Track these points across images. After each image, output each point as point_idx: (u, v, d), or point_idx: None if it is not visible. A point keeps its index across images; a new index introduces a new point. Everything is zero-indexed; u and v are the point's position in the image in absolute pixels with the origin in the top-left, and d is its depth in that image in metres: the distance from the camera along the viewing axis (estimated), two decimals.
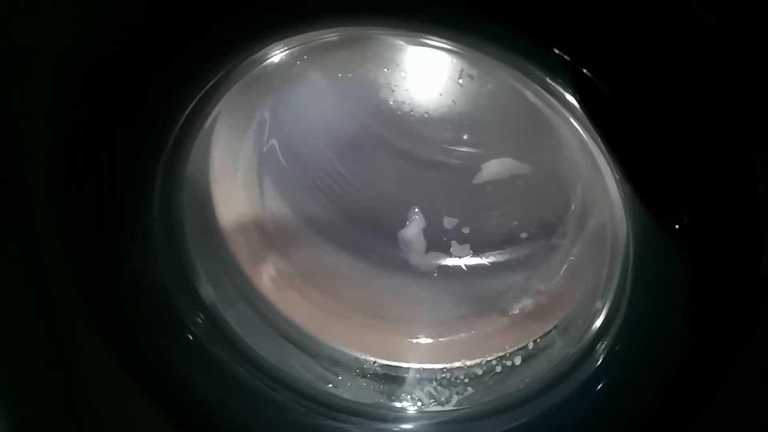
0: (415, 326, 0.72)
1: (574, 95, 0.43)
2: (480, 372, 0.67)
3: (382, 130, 0.69)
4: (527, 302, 0.69)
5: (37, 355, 0.63)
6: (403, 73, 0.63)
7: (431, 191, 0.71)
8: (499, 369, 0.66)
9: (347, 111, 0.69)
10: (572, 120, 0.47)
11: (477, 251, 0.71)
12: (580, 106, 0.44)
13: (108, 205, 0.55)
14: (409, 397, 0.67)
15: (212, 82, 0.50)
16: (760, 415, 0.53)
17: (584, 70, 0.42)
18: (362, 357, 0.70)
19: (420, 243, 0.71)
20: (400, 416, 0.66)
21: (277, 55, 0.53)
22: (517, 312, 0.69)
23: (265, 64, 0.53)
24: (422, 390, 0.67)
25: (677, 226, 0.45)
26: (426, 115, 0.65)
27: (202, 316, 0.62)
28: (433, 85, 0.63)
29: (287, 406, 0.64)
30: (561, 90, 0.44)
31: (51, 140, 0.53)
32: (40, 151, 0.54)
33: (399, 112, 0.65)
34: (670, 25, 0.42)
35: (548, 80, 0.44)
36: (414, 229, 0.71)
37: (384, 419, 0.65)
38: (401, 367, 0.69)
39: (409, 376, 0.69)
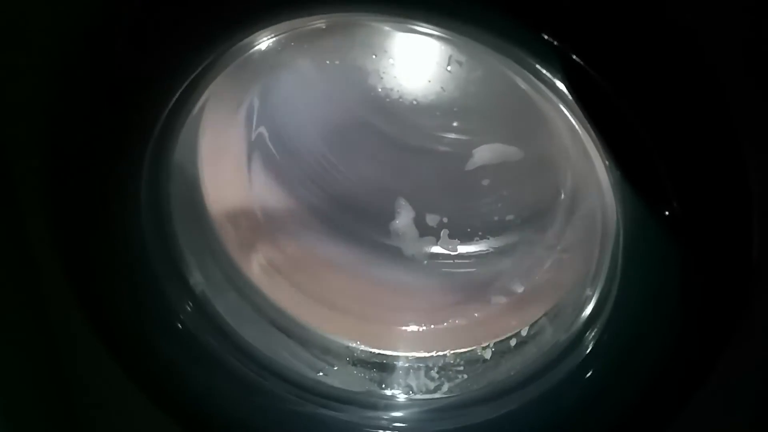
0: (405, 314, 0.72)
1: (563, 81, 0.43)
2: (470, 359, 0.67)
3: (371, 117, 0.68)
4: (518, 289, 0.69)
5: (25, 344, 0.63)
6: (391, 60, 0.62)
7: (422, 178, 0.71)
8: (489, 356, 0.66)
9: (336, 98, 0.68)
10: (562, 106, 0.47)
11: (467, 239, 0.70)
12: (570, 92, 0.43)
13: (95, 194, 0.55)
14: (399, 384, 0.67)
15: (198, 69, 0.49)
16: (751, 403, 0.53)
17: (574, 56, 0.42)
18: (352, 345, 0.70)
19: (411, 231, 0.71)
20: (390, 404, 0.66)
21: (263, 42, 0.53)
22: (507, 299, 0.69)
23: (252, 51, 0.53)
24: (412, 378, 0.67)
25: (667, 213, 0.45)
26: (415, 102, 0.65)
27: (191, 304, 0.62)
28: (421, 72, 0.63)
29: (277, 394, 0.63)
30: (550, 76, 0.43)
31: (37, 130, 0.52)
32: (26, 140, 0.54)
33: (388, 99, 0.65)
34: (660, 11, 0.42)
35: (537, 66, 0.43)
36: (404, 217, 0.70)
37: (374, 407, 0.65)
38: (391, 354, 0.69)
39: (400, 364, 0.69)
